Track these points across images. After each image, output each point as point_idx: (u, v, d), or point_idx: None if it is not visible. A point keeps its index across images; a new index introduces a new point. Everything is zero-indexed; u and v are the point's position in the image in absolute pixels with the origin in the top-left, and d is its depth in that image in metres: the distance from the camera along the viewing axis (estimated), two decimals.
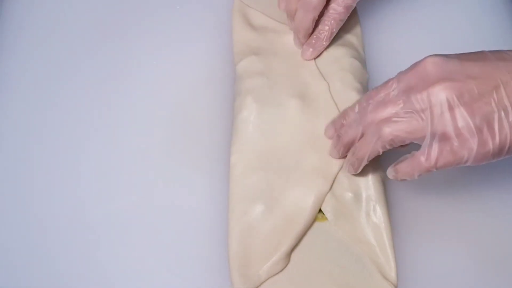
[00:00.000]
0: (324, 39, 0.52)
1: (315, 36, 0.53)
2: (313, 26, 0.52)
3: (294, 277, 0.45)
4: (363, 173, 0.47)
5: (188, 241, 0.48)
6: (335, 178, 0.48)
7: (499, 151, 0.40)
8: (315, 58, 0.53)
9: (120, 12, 0.59)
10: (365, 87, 0.52)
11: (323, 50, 0.53)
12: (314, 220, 0.47)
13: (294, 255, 0.46)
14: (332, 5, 0.51)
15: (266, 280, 0.45)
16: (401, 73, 0.43)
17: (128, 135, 0.53)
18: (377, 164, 0.48)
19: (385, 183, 0.49)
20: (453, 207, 0.50)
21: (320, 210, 0.47)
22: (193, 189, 0.50)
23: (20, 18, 0.58)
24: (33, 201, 0.50)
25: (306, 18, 0.51)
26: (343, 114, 0.47)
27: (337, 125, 0.48)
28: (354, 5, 0.51)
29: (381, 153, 0.43)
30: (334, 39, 0.54)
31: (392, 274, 0.45)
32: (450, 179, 0.51)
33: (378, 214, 0.47)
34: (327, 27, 0.52)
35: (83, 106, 0.54)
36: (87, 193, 0.50)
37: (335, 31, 0.52)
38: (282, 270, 0.45)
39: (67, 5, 0.59)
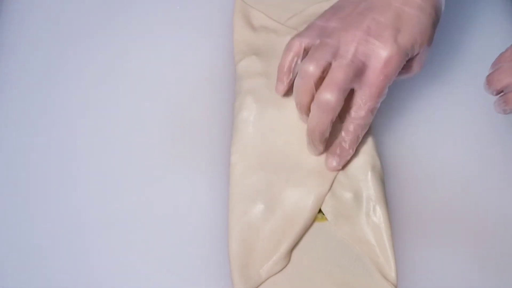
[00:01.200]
0: (350, 148, 0.46)
1: (339, 144, 0.47)
2: (330, 128, 0.45)
3: (294, 277, 0.45)
4: (362, 173, 0.48)
5: (188, 241, 0.48)
6: (334, 178, 0.48)
7: None
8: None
9: (120, 12, 0.59)
10: None
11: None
12: (314, 220, 0.47)
13: (294, 255, 0.46)
14: (354, 108, 0.45)
15: (266, 279, 0.45)
16: None
17: (127, 135, 0.53)
18: (376, 164, 0.48)
19: (384, 183, 0.49)
20: (453, 207, 0.50)
21: (320, 210, 0.47)
22: (193, 189, 0.50)
23: (20, 18, 0.58)
24: (32, 202, 0.49)
25: (323, 120, 0.44)
26: (499, 59, 0.45)
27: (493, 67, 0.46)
28: (378, 106, 0.45)
29: None
30: None
31: (392, 274, 0.46)
32: (450, 179, 0.51)
33: (378, 214, 0.47)
34: (350, 134, 0.46)
35: (82, 106, 0.54)
36: (86, 193, 0.50)
37: (361, 136, 0.47)
38: (282, 269, 0.45)
39: (67, 5, 0.59)
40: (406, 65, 0.46)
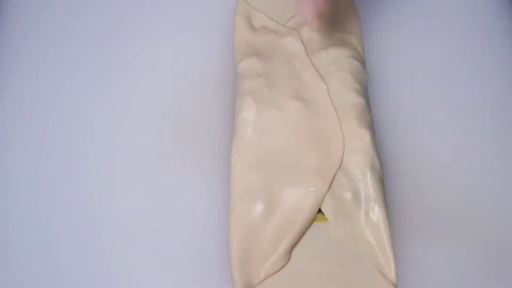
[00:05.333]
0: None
1: None
2: None
3: (293, 276, 0.45)
4: (361, 173, 0.48)
5: (188, 240, 0.48)
6: (334, 178, 0.48)
7: None
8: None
9: (120, 11, 0.59)
10: (365, 88, 0.53)
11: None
12: (314, 220, 0.47)
13: (294, 254, 0.46)
14: None
15: (265, 278, 0.45)
16: None
17: (128, 136, 0.53)
18: (375, 163, 0.48)
19: (384, 183, 0.49)
20: (453, 207, 0.50)
21: (319, 210, 0.47)
22: (194, 189, 0.50)
23: (20, 17, 0.59)
24: (33, 201, 0.50)
25: None
26: None
27: None
28: None
29: None
30: (333, 39, 0.54)
31: (392, 274, 0.45)
32: (450, 179, 0.51)
33: (377, 214, 0.47)
34: None
35: (82, 106, 0.54)
36: (87, 194, 0.50)
37: None
38: (281, 269, 0.45)
39: (67, 3, 0.59)
40: None
